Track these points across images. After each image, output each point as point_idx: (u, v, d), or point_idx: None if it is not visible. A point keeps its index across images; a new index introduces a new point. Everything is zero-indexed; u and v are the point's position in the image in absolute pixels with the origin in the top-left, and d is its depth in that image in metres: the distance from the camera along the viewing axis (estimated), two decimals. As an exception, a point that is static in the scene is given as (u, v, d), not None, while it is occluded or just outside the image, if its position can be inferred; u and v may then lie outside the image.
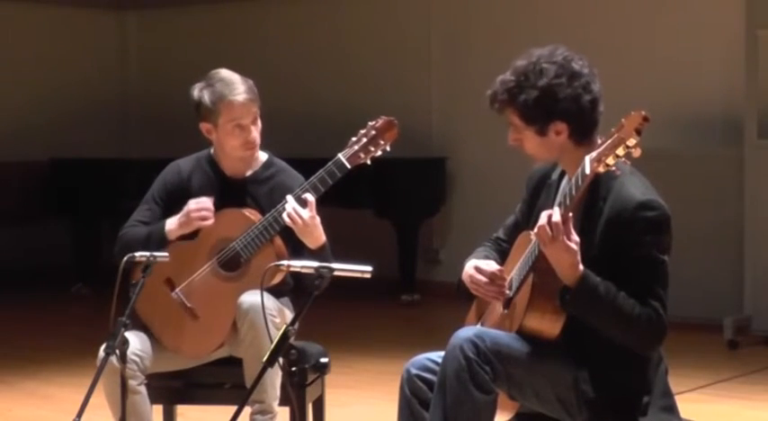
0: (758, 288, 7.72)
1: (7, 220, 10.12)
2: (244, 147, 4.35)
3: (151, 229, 4.33)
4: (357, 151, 4.20)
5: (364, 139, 4.22)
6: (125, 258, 3.84)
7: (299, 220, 4.14)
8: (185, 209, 4.30)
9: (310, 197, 4.16)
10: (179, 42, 11.67)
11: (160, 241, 4.24)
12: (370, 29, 10.42)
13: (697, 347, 7.33)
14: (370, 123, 4.24)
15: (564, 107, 3.33)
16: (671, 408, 3.38)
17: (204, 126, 4.38)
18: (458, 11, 9.88)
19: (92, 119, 11.55)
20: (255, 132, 4.35)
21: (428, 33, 10.07)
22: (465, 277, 3.58)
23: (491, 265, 3.54)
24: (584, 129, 3.36)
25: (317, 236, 4.19)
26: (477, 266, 3.54)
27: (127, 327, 3.71)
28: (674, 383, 3.48)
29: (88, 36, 11.77)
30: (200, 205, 4.29)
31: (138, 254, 3.86)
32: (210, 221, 4.28)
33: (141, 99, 11.96)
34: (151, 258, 3.84)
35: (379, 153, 4.23)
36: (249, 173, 4.43)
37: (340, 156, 4.22)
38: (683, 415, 3.42)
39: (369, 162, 4.23)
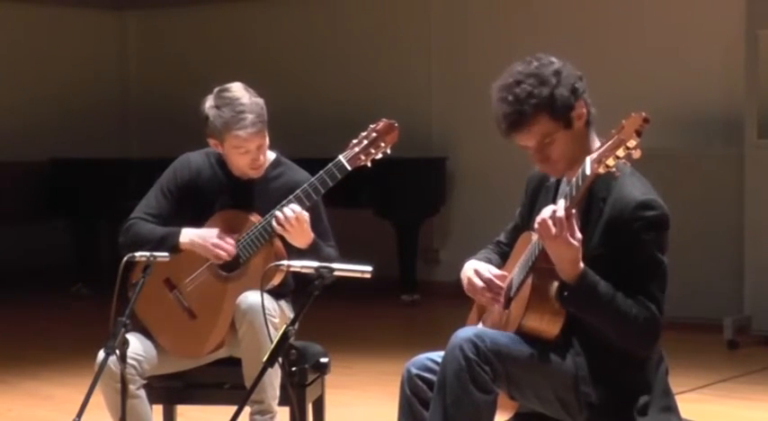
0: (758, 288, 7.71)
1: (7, 220, 10.11)
2: (249, 166, 4.36)
3: (165, 234, 4.31)
4: (357, 153, 4.21)
5: (365, 141, 4.22)
6: (125, 258, 3.84)
7: (290, 223, 4.15)
8: (210, 238, 4.28)
9: (304, 213, 4.17)
10: (179, 42, 11.66)
11: (170, 248, 4.21)
12: (370, 28, 10.42)
13: (697, 347, 7.33)
14: (371, 126, 4.24)
15: (573, 84, 3.31)
16: (671, 408, 3.38)
17: (211, 141, 4.38)
18: (458, 11, 9.88)
19: (92, 119, 11.54)
20: (261, 157, 4.35)
21: (428, 33, 10.06)
22: (463, 277, 3.59)
23: (491, 270, 3.55)
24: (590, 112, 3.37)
25: (305, 238, 4.21)
26: (476, 269, 3.55)
27: (127, 328, 3.71)
28: (674, 383, 3.48)
29: (88, 36, 11.76)
30: (226, 248, 4.27)
31: (138, 254, 3.87)
32: (222, 260, 4.29)
33: (141, 99, 11.95)
34: (151, 258, 3.84)
35: (380, 155, 4.24)
36: None
37: (340, 157, 4.22)
38: (683, 415, 3.42)
39: (369, 164, 4.24)
